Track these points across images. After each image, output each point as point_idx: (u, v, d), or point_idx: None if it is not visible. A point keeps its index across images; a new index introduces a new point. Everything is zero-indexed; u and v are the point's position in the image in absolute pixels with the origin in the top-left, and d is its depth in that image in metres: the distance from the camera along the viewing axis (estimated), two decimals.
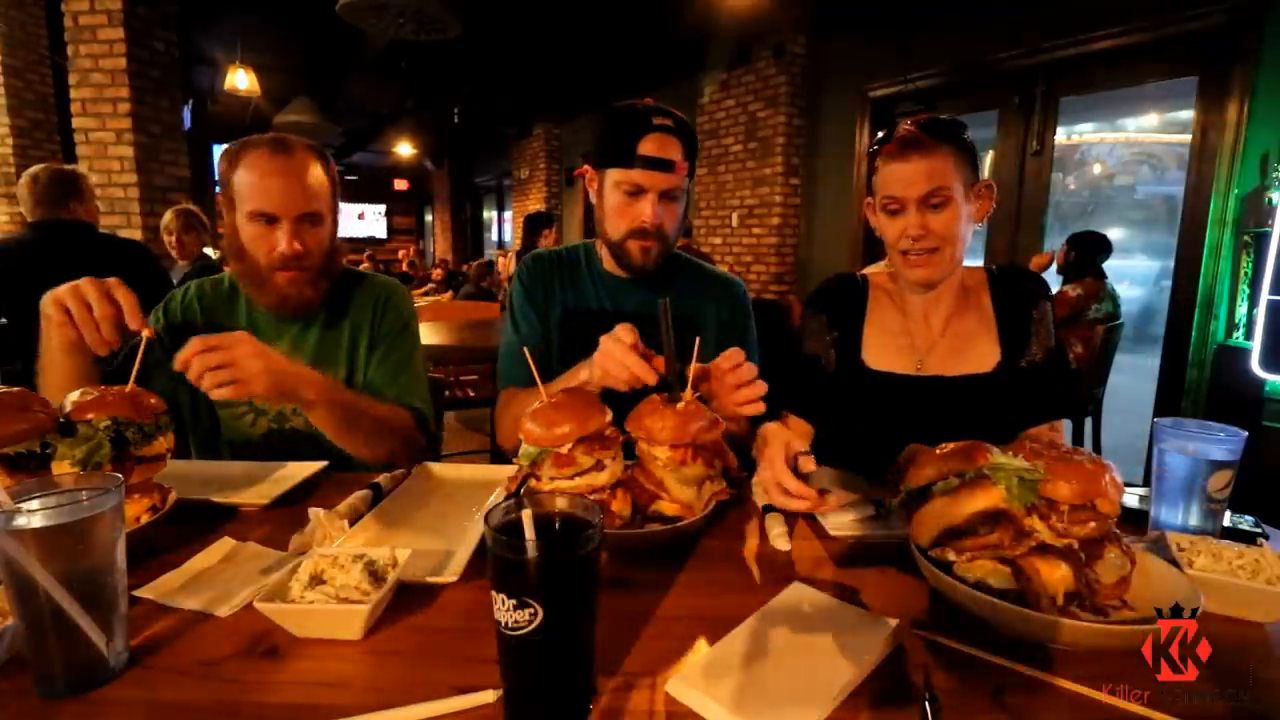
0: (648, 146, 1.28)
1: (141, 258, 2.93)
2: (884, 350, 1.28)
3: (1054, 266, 3.93)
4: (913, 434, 1.01)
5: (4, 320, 2.56)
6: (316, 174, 1.27)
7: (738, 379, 0.99)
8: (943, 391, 1.23)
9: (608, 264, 1.43)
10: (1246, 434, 0.87)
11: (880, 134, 1.22)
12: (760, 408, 0.99)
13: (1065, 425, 1.31)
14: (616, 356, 1.02)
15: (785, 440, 0.96)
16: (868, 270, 1.39)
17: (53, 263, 2.65)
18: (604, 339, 1.05)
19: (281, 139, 1.26)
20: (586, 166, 1.40)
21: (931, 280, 1.22)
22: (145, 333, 0.98)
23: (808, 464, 0.94)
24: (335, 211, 1.34)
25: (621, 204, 1.32)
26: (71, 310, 0.98)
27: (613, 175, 1.32)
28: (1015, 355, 1.23)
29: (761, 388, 0.99)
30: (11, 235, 2.84)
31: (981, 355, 1.24)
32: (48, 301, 0.99)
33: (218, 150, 9.30)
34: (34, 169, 2.78)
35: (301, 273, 1.26)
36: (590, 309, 1.42)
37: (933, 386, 1.23)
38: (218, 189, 1.32)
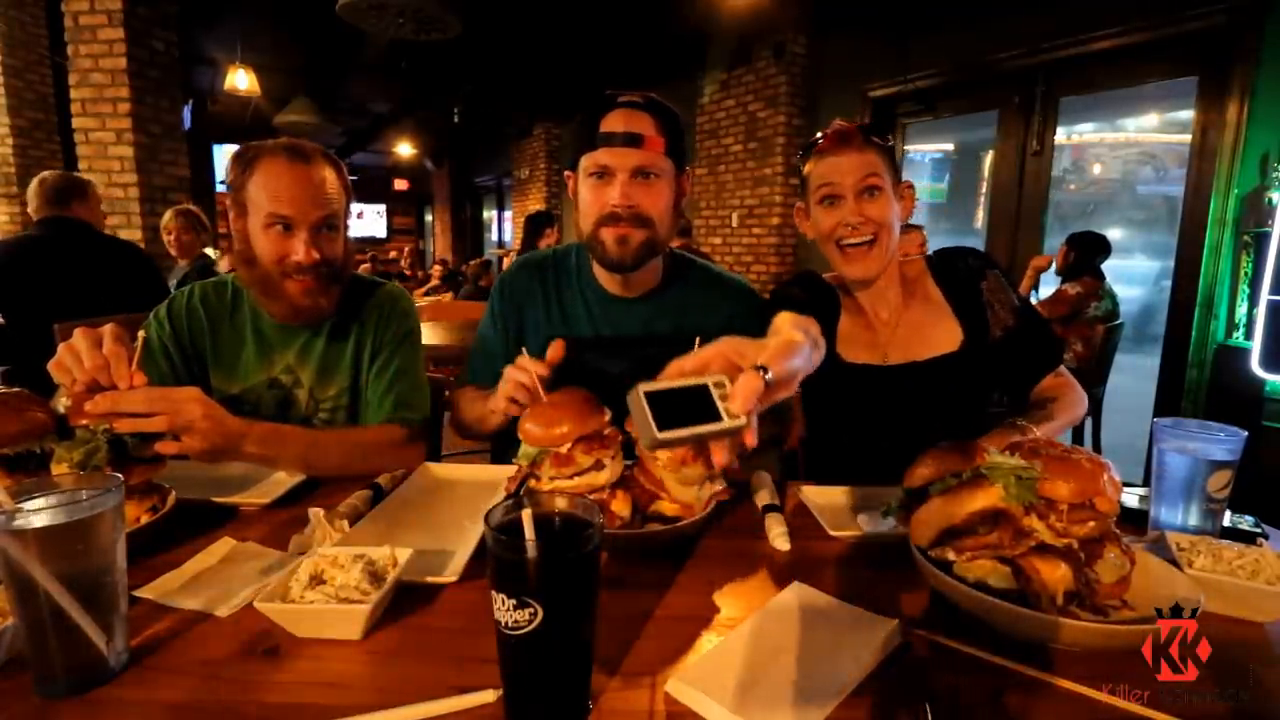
0: (610, 123, 1.18)
1: (136, 259, 3.00)
2: (854, 344, 1.30)
3: (1053, 267, 3.92)
4: (901, 422, 1.01)
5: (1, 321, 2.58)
6: (332, 181, 1.27)
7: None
8: (917, 376, 1.25)
9: (599, 275, 1.32)
10: (1246, 434, 0.87)
11: (812, 140, 1.26)
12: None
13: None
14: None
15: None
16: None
17: (57, 259, 2.73)
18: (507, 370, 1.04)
19: (297, 146, 1.25)
20: (568, 173, 1.30)
21: (869, 276, 1.24)
22: (140, 336, 0.98)
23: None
24: (348, 217, 1.33)
25: (592, 191, 1.21)
26: (73, 370, 0.93)
27: (582, 164, 1.22)
28: (979, 331, 1.26)
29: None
30: (19, 234, 2.95)
31: (942, 338, 1.26)
32: (53, 368, 0.95)
33: (218, 150, 9.30)
34: (44, 174, 2.90)
35: (316, 281, 1.25)
36: (577, 334, 1.28)
37: (905, 373, 1.26)
38: (225, 189, 1.29)
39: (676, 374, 0.64)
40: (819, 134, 1.25)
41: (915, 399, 1.24)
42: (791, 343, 0.68)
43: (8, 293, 2.59)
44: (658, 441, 0.57)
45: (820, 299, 1.31)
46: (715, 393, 0.61)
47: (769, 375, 0.61)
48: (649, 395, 0.59)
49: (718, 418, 0.60)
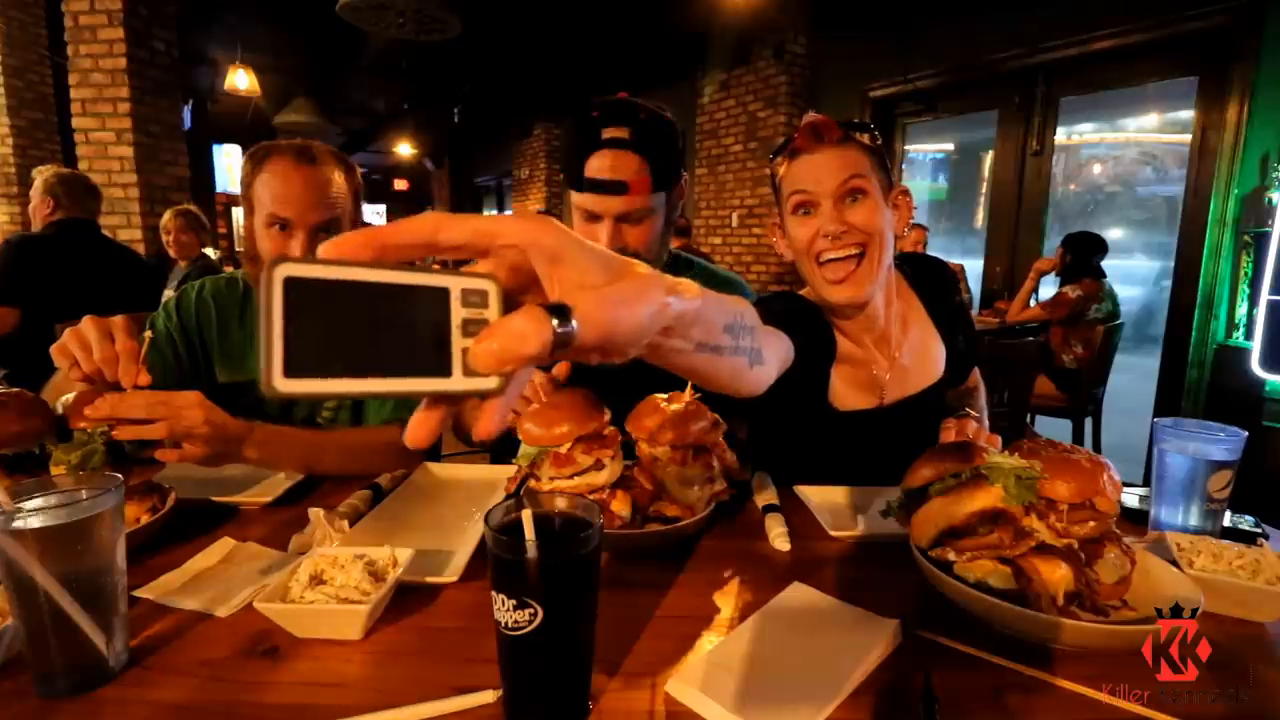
0: (595, 166, 1.12)
1: (142, 269, 2.98)
2: (849, 388, 1.15)
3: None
4: (887, 457, 0.93)
5: None
6: (339, 184, 1.27)
7: None
8: (909, 411, 1.17)
9: None
10: (1246, 434, 0.88)
11: (785, 139, 1.09)
12: None
13: (1066, 425, 1.34)
14: None
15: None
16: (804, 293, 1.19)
17: (79, 261, 2.72)
18: None
19: (305, 147, 1.26)
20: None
21: (857, 299, 1.04)
22: (146, 335, 0.98)
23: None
24: (356, 220, 1.33)
25: (581, 227, 1.18)
26: (79, 360, 0.92)
27: (572, 198, 1.20)
28: (954, 347, 1.22)
29: None
30: (45, 231, 2.83)
31: (933, 363, 1.21)
32: (56, 351, 0.94)
33: (218, 150, 9.30)
34: (61, 171, 2.80)
35: None
36: None
37: (900, 410, 1.17)
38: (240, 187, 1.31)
39: (406, 246, 0.32)
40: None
41: (906, 433, 1.07)
42: (701, 300, 0.42)
43: (27, 290, 2.59)
44: (276, 390, 0.28)
45: (811, 331, 1.06)
46: (460, 312, 0.32)
47: (570, 327, 0.32)
48: (297, 286, 0.28)
49: (439, 366, 0.32)
